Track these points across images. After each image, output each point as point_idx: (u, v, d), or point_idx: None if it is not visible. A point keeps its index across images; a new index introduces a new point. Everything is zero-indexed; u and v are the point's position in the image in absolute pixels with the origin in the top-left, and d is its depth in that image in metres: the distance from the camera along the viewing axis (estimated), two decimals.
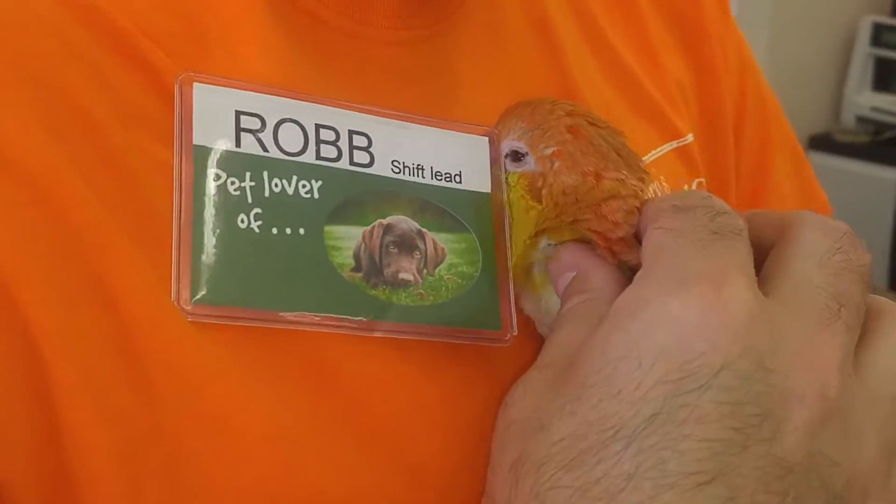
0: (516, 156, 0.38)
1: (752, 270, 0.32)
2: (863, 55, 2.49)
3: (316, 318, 0.34)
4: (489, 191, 0.38)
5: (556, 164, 0.37)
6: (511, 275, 0.38)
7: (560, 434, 0.30)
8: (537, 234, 0.37)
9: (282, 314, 0.33)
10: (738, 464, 0.29)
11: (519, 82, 0.43)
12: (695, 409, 0.29)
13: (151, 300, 0.32)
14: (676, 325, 0.30)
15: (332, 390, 0.34)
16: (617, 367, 0.30)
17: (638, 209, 0.36)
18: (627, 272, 0.36)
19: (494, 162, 0.38)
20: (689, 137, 0.49)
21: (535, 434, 0.31)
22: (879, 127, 2.42)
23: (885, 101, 2.47)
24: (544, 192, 0.37)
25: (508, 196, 0.38)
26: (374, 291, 0.35)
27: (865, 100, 2.44)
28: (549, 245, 0.37)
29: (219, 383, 0.32)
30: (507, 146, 0.38)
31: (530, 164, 0.38)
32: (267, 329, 0.33)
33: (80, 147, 0.32)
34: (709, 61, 0.52)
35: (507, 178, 0.38)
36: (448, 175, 0.37)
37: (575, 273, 0.36)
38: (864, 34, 2.48)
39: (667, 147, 0.47)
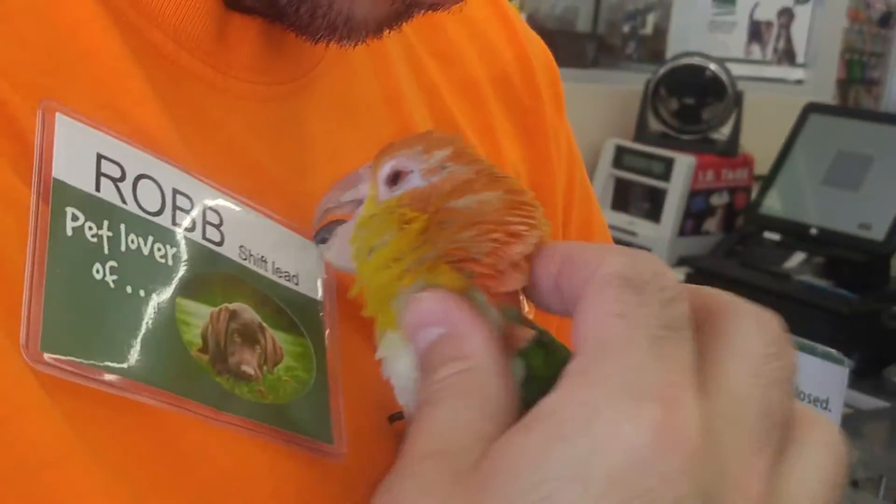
0: (395, 178, 0.33)
1: (695, 376, 0.29)
2: (605, 175, 2.63)
3: (164, 395, 0.31)
4: (321, 299, 0.36)
5: (448, 169, 0.32)
6: (341, 389, 0.36)
7: None
8: (409, 267, 0.32)
9: (134, 383, 0.30)
10: None
11: (367, 156, 0.41)
12: None
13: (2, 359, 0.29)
14: (630, 450, 0.26)
15: (186, 478, 0.31)
16: (559, 488, 0.26)
17: (528, 256, 0.31)
18: (508, 316, 0.31)
19: (327, 270, 0.37)
20: None
21: None
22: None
23: (621, 220, 2.61)
24: (433, 198, 0.32)
25: (375, 223, 0.33)
26: (218, 378, 0.32)
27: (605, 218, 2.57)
28: (422, 285, 0.32)
29: (63, 468, 0.29)
30: (386, 169, 0.34)
31: (414, 181, 0.33)
32: (119, 401, 0.30)
33: None
34: (544, 151, 0.54)
35: (377, 208, 0.34)
36: (287, 274, 0.36)
37: (443, 330, 0.31)
38: (608, 155, 2.63)
39: None
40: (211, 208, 0.35)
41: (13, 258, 0.30)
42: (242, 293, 0.34)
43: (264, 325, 0.34)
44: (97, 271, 0.31)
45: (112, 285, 0.31)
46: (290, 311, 0.35)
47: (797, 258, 2.41)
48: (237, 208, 0.36)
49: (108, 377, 0.30)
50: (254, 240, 0.35)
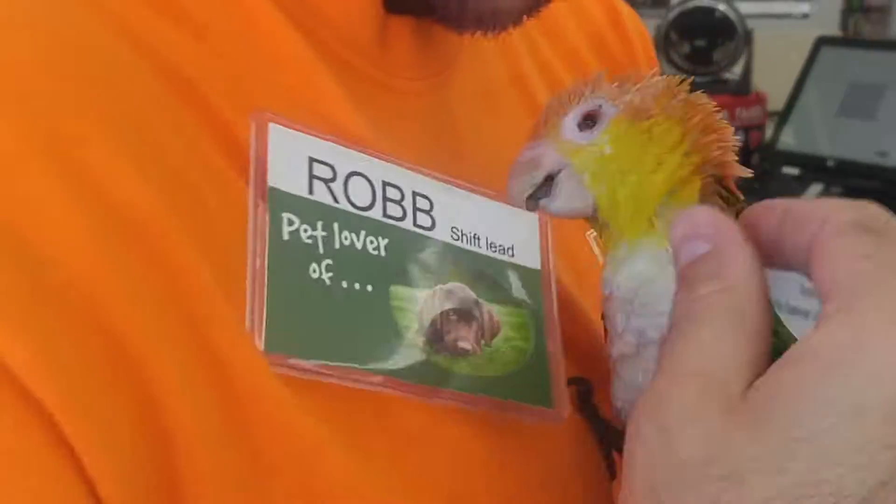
0: (588, 120, 0.35)
1: None
2: None
3: (379, 379, 0.33)
4: (539, 268, 0.37)
5: (627, 88, 0.35)
6: (561, 354, 0.36)
7: (763, 493, 0.27)
8: (671, 176, 0.34)
9: (365, 376, 0.32)
10: None
11: (510, 140, 0.44)
12: None
13: (249, 360, 0.31)
14: None
15: (415, 459, 0.34)
16: (836, 423, 0.27)
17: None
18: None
19: (541, 237, 0.38)
20: None
21: (725, 486, 0.27)
22: None
23: None
24: (651, 105, 0.34)
25: (617, 148, 0.35)
26: (436, 357, 0.34)
27: None
28: (668, 206, 0.35)
29: (323, 456, 0.32)
30: (570, 121, 0.35)
31: (610, 111, 0.35)
32: (348, 391, 0.33)
33: (184, 203, 0.32)
34: None
35: (599, 140, 0.35)
36: (502, 248, 0.37)
37: (710, 246, 0.31)
38: None
39: None
40: (420, 194, 0.36)
41: (240, 262, 0.33)
42: (456, 272, 0.36)
43: (479, 300, 0.36)
44: (314, 271, 0.33)
45: (328, 282, 0.33)
46: (507, 282, 0.37)
47: (815, 190, 2.46)
48: (446, 190, 0.37)
49: (331, 371, 0.32)
50: (464, 219, 0.37)
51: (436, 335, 0.34)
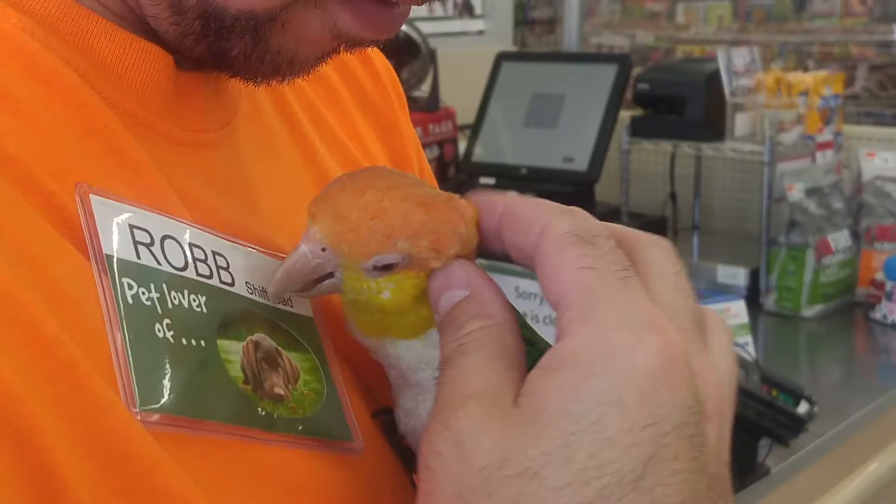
0: (387, 267, 0.37)
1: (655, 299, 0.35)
2: None
3: (235, 429, 0.35)
4: (311, 315, 0.41)
5: (439, 235, 0.37)
6: (346, 392, 0.40)
7: (558, 481, 0.31)
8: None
9: (218, 426, 0.35)
10: (701, 486, 0.33)
11: (290, 180, 0.47)
12: (674, 447, 0.32)
13: (123, 421, 0.32)
14: (647, 372, 0.32)
15: (267, 497, 0.36)
16: (603, 414, 0.32)
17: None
18: None
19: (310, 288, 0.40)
20: None
21: (525, 482, 0.31)
22: None
23: None
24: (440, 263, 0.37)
25: (379, 297, 0.37)
26: (261, 404, 0.37)
27: None
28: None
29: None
30: (374, 263, 0.37)
31: (405, 262, 0.37)
32: (203, 441, 0.35)
33: (34, 276, 0.33)
34: (401, 148, 0.59)
35: (384, 283, 0.37)
36: (283, 299, 0.40)
37: (467, 292, 0.36)
38: None
39: None
40: (217, 253, 0.38)
41: (100, 332, 0.33)
42: (258, 324, 0.38)
43: (279, 348, 0.39)
44: (158, 331, 0.34)
45: (172, 340, 0.35)
46: (293, 331, 0.40)
47: None
48: (234, 248, 0.40)
49: (194, 425, 0.34)
50: (253, 275, 0.40)
51: (257, 383, 0.37)
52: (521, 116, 2.53)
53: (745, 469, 1.48)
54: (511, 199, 0.37)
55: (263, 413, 0.37)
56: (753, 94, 2.34)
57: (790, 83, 2.35)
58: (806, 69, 2.55)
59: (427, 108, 2.71)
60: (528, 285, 1.46)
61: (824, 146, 2.34)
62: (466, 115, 2.63)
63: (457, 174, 2.70)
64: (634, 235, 0.38)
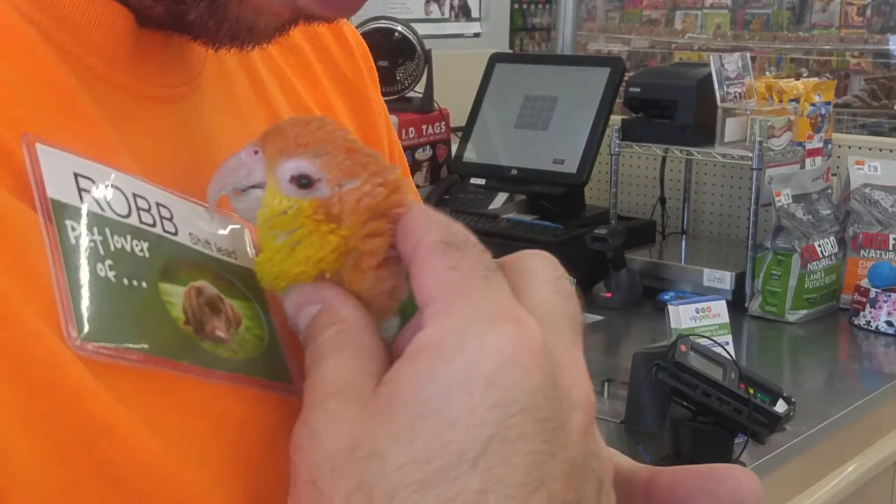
0: (304, 181, 0.39)
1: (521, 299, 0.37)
2: None
3: (173, 364, 0.37)
4: (253, 269, 0.42)
5: (347, 186, 0.38)
6: (287, 338, 0.42)
7: (400, 460, 0.33)
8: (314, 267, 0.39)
9: (152, 357, 0.36)
10: (551, 470, 0.34)
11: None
12: (520, 428, 0.33)
13: (50, 352, 0.34)
14: (497, 356, 0.34)
15: (203, 431, 0.38)
16: (449, 395, 0.33)
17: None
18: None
19: (255, 244, 0.43)
20: None
21: (368, 462, 0.33)
22: None
23: None
24: (344, 214, 0.38)
25: (289, 219, 0.39)
26: (203, 343, 0.38)
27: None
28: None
29: (120, 431, 0.35)
30: (291, 168, 0.39)
31: (322, 190, 0.39)
32: (142, 373, 0.36)
33: None
34: (371, 120, 0.61)
35: (292, 205, 0.39)
36: (226, 251, 0.42)
37: (319, 306, 0.38)
38: None
39: None
40: (161, 204, 0.40)
41: (39, 268, 0.35)
42: (200, 272, 0.40)
43: (221, 295, 0.41)
44: (100, 270, 0.36)
45: (113, 280, 0.37)
46: (236, 281, 0.42)
47: (501, 198, 2.59)
48: (180, 202, 0.42)
49: (133, 356, 0.36)
50: (197, 226, 0.41)
51: (199, 325, 0.39)
52: (513, 118, 2.54)
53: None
54: (412, 207, 0.39)
55: (205, 352, 0.38)
56: (744, 100, 2.35)
57: (781, 89, 2.36)
58: (798, 77, 2.56)
59: (421, 109, 2.72)
60: None
61: (813, 153, 2.35)
62: (461, 117, 2.64)
63: (448, 175, 2.72)
64: (517, 253, 0.40)
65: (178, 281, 0.39)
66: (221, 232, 0.43)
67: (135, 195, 0.39)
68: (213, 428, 0.38)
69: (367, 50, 0.63)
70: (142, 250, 0.38)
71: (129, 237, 0.38)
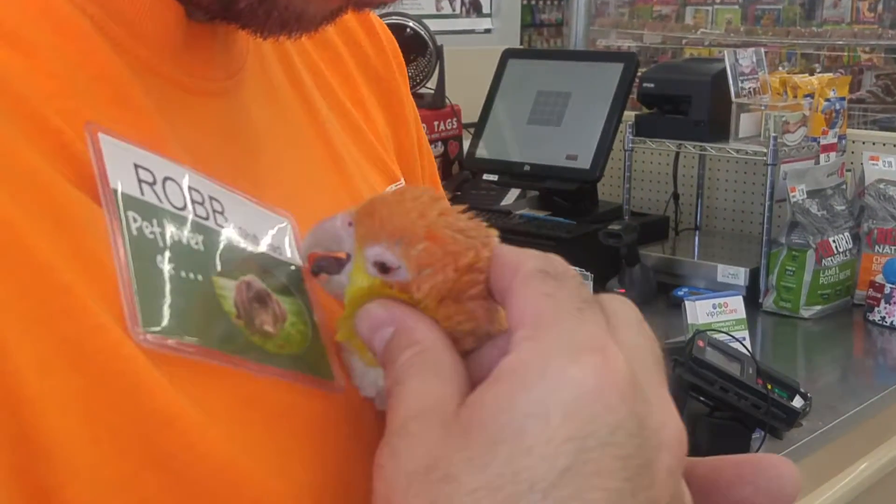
0: (385, 267, 0.39)
1: (613, 335, 0.36)
2: None
3: (227, 357, 0.38)
4: (300, 265, 0.43)
5: (426, 272, 0.39)
6: (330, 336, 0.43)
7: (472, 485, 0.33)
8: None
9: (208, 350, 0.37)
10: None
11: (294, 139, 0.50)
12: (597, 464, 0.33)
13: (114, 343, 0.34)
14: (578, 387, 0.33)
15: (258, 422, 0.39)
16: (525, 423, 0.33)
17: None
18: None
19: (297, 241, 0.44)
20: (403, 181, 0.58)
21: (442, 485, 0.33)
22: None
23: None
24: (418, 296, 0.39)
25: (357, 286, 0.40)
26: (253, 337, 0.39)
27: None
28: None
29: (182, 422, 0.35)
30: (373, 254, 0.39)
31: (402, 275, 0.39)
32: (199, 366, 0.37)
33: (33, 204, 0.34)
34: (401, 115, 0.61)
35: (367, 282, 0.40)
36: (273, 247, 0.43)
37: (393, 328, 0.38)
38: None
39: (390, 188, 0.54)
40: (214, 198, 0.41)
41: (103, 259, 0.36)
42: (249, 267, 0.41)
43: (269, 290, 0.41)
44: (160, 262, 0.37)
45: (172, 272, 0.37)
46: (282, 277, 0.42)
47: (514, 194, 2.59)
48: (230, 196, 0.42)
49: (191, 348, 0.37)
50: (246, 221, 0.42)
51: (248, 319, 0.39)
52: (526, 114, 2.53)
53: None
54: (499, 248, 0.39)
55: (254, 345, 0.39)
56: (759, 96, 2.34)
57: (796, 85, 2.36)
58: (812, 73, 2.56)
59: (433, 105, 2.73)
60: None
61: (828, 148, 2.34)
62: (473, 113, 2.64)
63: (460, 171, 2.72)
64: (600, 295, 0.40)
65: (230, 275, 0.39)
66: (268, 228, 0.43)
67: (190, 188, 0.40)
68: (266, 420, 0.39)
69: (397, 46, 0.63)
70: (197, 243, 0.39)
71: (185, 230, 0.38)
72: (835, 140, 2.36)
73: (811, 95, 2.32)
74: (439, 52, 2.72)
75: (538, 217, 2.44)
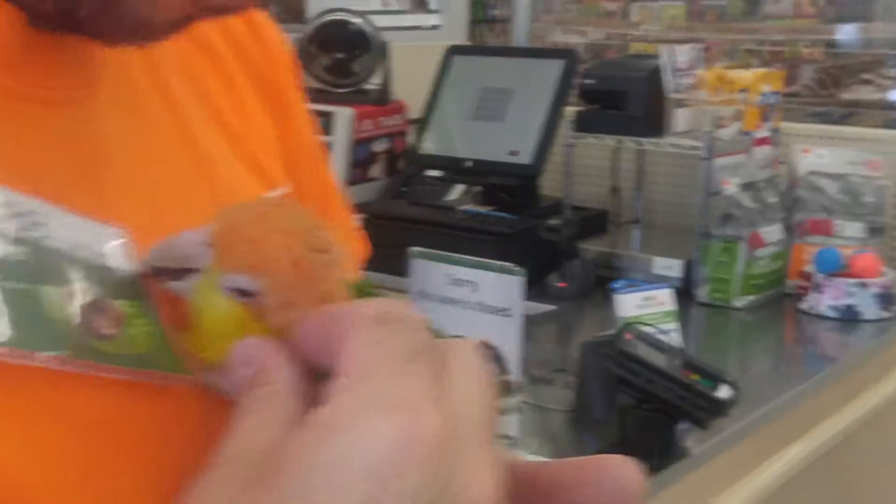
0: (242, 292, 0.39)
1: (437, 388, 0.35)
2: None
3: (56, 359, 0.38)
4: (136, 272, 0.43)
5: (287, 302, 0.39)
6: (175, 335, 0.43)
7: None
8: None
9: (48, 358, 0.38)
10: None
11: (156, 146, 0.49)
12: None
13: None
14: (382, 444, 0.32)
15: (84, 427, 0.39)
16: (325, 475, 0.32)
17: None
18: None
19: (136, 252, 0.44)
20: (283, 188, 0.57)
21: None
22: None
23: None
24: (275, 322, 0.39)
25: (219, 315, 0.40)
26: (92, 341, 0.40)
27: None
28: None
29: None
30: (231, 280, 0.40)
31: (262, 302, 0.39)
32: (20, 370, 0.37)
33: None
34: (289, 119, 0.61)
35: (228, 308, 0.40)
36: (108, 258, 0.43)
37: (256, 366, 0.37)
38: None
39: (270, 195, 0.54)
40: (35, 212, 0.41)
41: None
42: (83, 276, 0.41)
43: (105, 297, 0.42)
44: None
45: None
46: (119, 283, 0.43)
47: (458, 190, 2.62)
48: (54, 210, 0.42)
49: (17, 353, 0.37)
50: (74, 234, 0.42)
51: (87, 324, 0.40)
52: (470, 110, 2.56)
53: (663, 451, 1.52)
54: (334, 308, 0.38)
55: (95, 349, 0.40)
56: (695, 91, 2.39)
57: (731, 80, 2.41)
58: (748, 67, 2.61)
59: (378, 101, 2.74)
60: (462, 272, 1.50)
61: (761, 142, 2.39)
62: (417, 108, 2.66)
63: (407, 167, 2.74)
64: (444, 340, 0.39)
65: (59, 284, 0.40)
66: (100, 240, 0.43)
67: (11, 203, 0.40)
68: (77, 428, 0.39)
69: (289, 47, 0.62)
70: (19, 256, 0.39)
71: (5, 244, 0.39)
72: (768, 133, 2.41)
73: (746, 90, 2.37)
74: (384, 47, 2.73)
75: (481, 213, 2.47)
